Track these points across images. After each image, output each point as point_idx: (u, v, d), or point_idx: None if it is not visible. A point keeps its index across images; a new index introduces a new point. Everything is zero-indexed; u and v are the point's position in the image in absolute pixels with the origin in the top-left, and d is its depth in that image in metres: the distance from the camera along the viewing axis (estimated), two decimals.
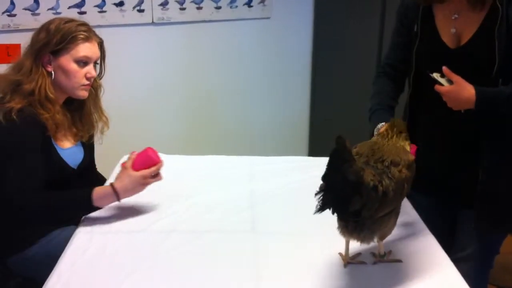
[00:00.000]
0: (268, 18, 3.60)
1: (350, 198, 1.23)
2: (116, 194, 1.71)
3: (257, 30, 3.59)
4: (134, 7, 3.11)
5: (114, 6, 3.05)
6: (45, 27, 1.85)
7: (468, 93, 1.62)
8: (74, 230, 1.68)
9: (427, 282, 1.40)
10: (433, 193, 1.90)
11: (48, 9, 2.86)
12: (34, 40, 1.85)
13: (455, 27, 1.72)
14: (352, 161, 1.22)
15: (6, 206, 1.73)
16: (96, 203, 1.70)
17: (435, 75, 1.67)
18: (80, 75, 1.86)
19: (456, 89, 1.64)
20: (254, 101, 3.72)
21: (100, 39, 1.93)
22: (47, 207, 1.70)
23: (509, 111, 1.64)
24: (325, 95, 3.86)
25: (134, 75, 3.22)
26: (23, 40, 1.89)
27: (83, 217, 1.74)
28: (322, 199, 1.24)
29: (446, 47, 1.74)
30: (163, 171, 1.80)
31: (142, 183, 1.75)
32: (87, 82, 1.88)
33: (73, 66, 1.84)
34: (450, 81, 1.65)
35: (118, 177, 1.75)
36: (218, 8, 3.39)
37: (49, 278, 1.40)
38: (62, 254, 1.51)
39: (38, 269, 1.75)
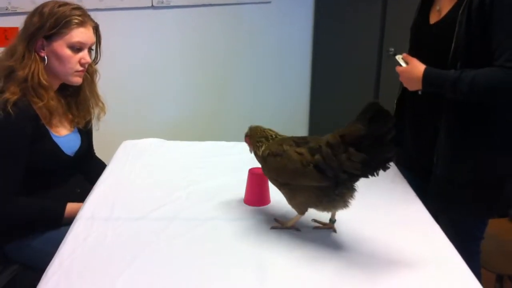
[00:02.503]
0: (269, 2, 3.57)
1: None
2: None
3: (258, 14, 3.56)
4: None
5: None
6: (39, 11, 1.78)
7: (418, 73, 1.70)
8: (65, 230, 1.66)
9: (432, 272, 1.39)
10: (413, 169, 1.98)
11: None
12: (27, 24, 1.78)
13: (439, 4, 1.80)
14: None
15: None
16: (67, 218, 1.76)
17: (397, 57, 1.81)
18: (74, 61, 1.81)
19: (409, 69, 1.74)
20: (255, 86, 3.71)
21: (95, 23, 1.87)
22: (18, 215, 1.75)
23: (454, 94, 1.65)
24: (325, 81, 3.84)
25: (133, 60, 3.19)
26: (21, 23, 1.83)
27: (83, 204, 1.73)
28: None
29: (426, 22, 1.83)
30: (164, 157, 1.78)
31: None
32: (81, 68, 1.83)
33: (67, 52, 1.79)
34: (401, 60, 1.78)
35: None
36: None
37: (49, 265, 1.38)
38: (63, 241, 1.49)
39: (37, 257, 1.74)
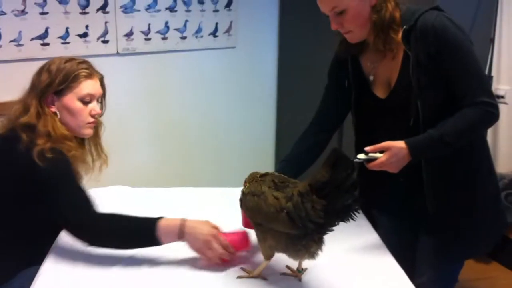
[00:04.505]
0: (233, 47, 3.62)
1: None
2: (181, 227, 1.61)
3: (223, 59, 3.61)
4: (98, 38, 3.09)
5: (78, 37, 3.03)
6: (46, 68, 1.83)
7: (403, 151, 1.62)
8: (37, 270, 1.63)
9: None
10: (393, 216, 1.95)
11: (10, 41, 2.82)
12: (35, 81, 1.83)
13: (373, 74, 1.78)
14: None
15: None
16: (159, 231, 1.60)
17: (360, 156, 1.65)
18: (85, 113, 1.85)
19: (393, 153, 1.62)
20: (221, 130, 3.72)
21: (101, 75, 1.93)
22: (109, 227, 1.66)
23: (445, 150, 1.66)
24: (290, 123, 3.88)
25: None
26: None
27: (47, 256, 1.69)
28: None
29: (375, 98, 1.79)
30: (132, 205, 1.75)
31: (209, 243, 1.59)
32: (92, 120, 1.88)
33: (78, 105, 1.83)
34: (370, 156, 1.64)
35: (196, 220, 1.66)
36: (184, 38, 3.40)
37: None
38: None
39: None
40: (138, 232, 1.65)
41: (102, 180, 2.46)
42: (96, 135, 2.01)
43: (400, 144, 1.63)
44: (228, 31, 3.56)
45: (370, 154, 1.64)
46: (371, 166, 1.65)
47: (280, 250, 1.50)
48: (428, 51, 1.63)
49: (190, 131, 3.60)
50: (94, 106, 1.88)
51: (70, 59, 1.86)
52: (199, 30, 3.44)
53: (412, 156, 1.63)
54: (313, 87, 3.67)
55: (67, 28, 2.97)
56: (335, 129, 2.03)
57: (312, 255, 1.45)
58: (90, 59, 3.03)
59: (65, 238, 1.77)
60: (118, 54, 3.18)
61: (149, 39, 3.27)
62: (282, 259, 1.56)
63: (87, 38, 3.05)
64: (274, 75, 3.84)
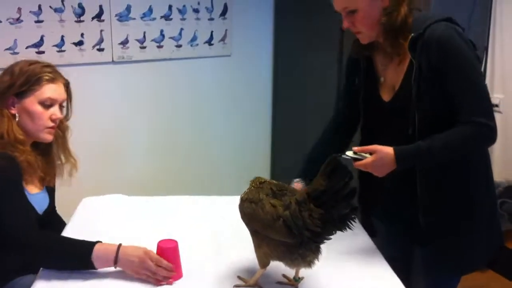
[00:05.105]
0: (228, 55, 3.63)
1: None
2: (116, 254, 1.59)
3: (218, 67, 3.62)
4: (93, 46, 3.09)
5: (73, 45, 3.03)
6: (9, 70, 1.82)
7: (390, 157, 1.63)
8: (33, 278, 1.62)
9: None
10: (389, 224, 1.94)
11: (5, 49, 2.82)
12: None
13: (384, 76, 1.78)
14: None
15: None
16: (94, 256, 1.58)
17: (348, 154, 1.67)
18: (45, 117, 1.82)
19: (379, 157, 1.64)
20: (216, 138, 3.72)
21: (66, 80, 1.90)
22: (49, 248, 1.62)
23: (431, 163, 1.65)
24: (286, 130, 3.89)
25: (96, 115, 3.17)
26: None
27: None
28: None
29: (378, 99, 1.80)
30: (125, 213, 1.74)
31: (143, 263, 1.56)
32: (52, 124, 1.84)
33: (38, 108, 1.80)
34: (361, 155, 1.66)
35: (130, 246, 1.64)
36: (179, 46, 3.40)
37: None
38: None
39: None
40: (74, 255, 1.62)
41: (98, 188, 2.46)
42: (63, 139, 1.98)
43: (388, 149, 1.63)
44: (223, 39, 3.57)
45: (361, 154, 1.66)
46: (356, 165, 1.66)
47: (275, 259, 1.50)
48: (430, 62, 1.61)
49: (186, 139, 3.60)
50: (55, 110, 1.84)
51: (35, 62, 1.84)
52: (194, 38, 3.44)
53: (398, 163, 1.63)
54: (308, 94, 3.69)
55: (62, 36, 2.97)
56: (355, 128, 1.99)
57: (309, 264, 1.45)
58: (85, 67, 3.08)
59: None
60: (113, 62, 3.18)
61: (144, 47, 3.27)
62: (279, 268, 1.56)
63: (82, 46, 3.05)
64: (270, 82, 3.85)
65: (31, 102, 1.80)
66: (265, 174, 3.95)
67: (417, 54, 1.63)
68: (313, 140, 2.11)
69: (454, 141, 1.62)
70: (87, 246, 1.60)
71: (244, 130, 3.81)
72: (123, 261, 1.59)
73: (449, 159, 1.66)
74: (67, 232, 1.90)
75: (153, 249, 1.62)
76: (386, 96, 1.79)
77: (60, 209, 2.11)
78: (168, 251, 1.60)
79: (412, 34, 1.64)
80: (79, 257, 1.60)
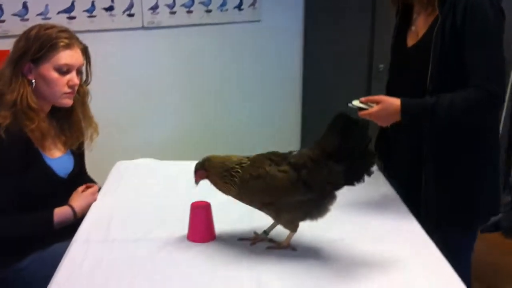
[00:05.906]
0: (258, 21, 3.59)
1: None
2: (74, 211, 1.83)
3: (248, 33, 3.58)
4: (124, 12, 3.08)
5: (104, 11, 3.02)
6: (25, 35, 1.79)
7: (396, 107, 1.66)
8: (70, 241, 1.66)
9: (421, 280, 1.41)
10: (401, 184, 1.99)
11: (37, 15, 2.82)
12: (14, 48, 1.79)
13: (414, 25, 1.82)
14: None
15: None
16: (56, 223, 1.79)
17: (354, 103, 1.72)
18: (62, 83, 1.80)
19: (384, 107, 1.68)
20: (246, 104, 3.71)
21: (84, 45, 1.87)
22: (7, 229, 1.74)
23: (432, 121, 1.68)
24: (316, 96, 3.86)
25: (125, 80, 3.19)
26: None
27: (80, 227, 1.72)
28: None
29: (403, 45, 1.84)
30: (158, 177, 1.76)
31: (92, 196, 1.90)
32: (69, 90, 1.82)
33: (54, 74, 1.78)
34: (367, 105, 1.70)
35: (71, 199, 1.87)
36: (209, 11, 3.37)
37: None
38: (59, 265, 1.48)
39: (32, 282, 1.71)
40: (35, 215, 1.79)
41: (129, 152, 2.49)
42: (83, 104, 1.97)
43: (394, 100, 1.67)
44: (253, 4, 3.52)
45: (367, 104, 1.71)
46: (361, 114, 1.71)
47: (299, 220, 1.51)
48: (455, 21, 1.64)
49: (215, 104, 3.60)
50: (72, 76, 1.82)
51: (51, 27, 1.80)
52: (224, 3, 3.41)
53: (402, 114, 1.66)
54: (340, 61, 3.64)
55: (93, 2, 2.97)
56: None
57: (328, 210, 1.48)
58: (115, 33, 3.09)
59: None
60: (143, 27, 3.17)
61: (174, 13, 3.26)
62: (312, 227, 1.56)
63: (112, 12, 3.05)
64: (300, 48, 3.80)
65: (47, 69, 1.77)
66: (295, 140, 3.95)
67: (445, 9, 1.67)
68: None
69: (460, 102, 1.64)
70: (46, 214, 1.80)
71: (273, 95, 3.79)
72: (76, 203, 1.84)
73: (454, 121, 1.68)
74: (101, 195, 1.94)
75: (187, 210, 1.65)
76: (410, 43, 1.83)
77: (93, 172, 2.15)
78: (201, 211, 1.63)
79: None
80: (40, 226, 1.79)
